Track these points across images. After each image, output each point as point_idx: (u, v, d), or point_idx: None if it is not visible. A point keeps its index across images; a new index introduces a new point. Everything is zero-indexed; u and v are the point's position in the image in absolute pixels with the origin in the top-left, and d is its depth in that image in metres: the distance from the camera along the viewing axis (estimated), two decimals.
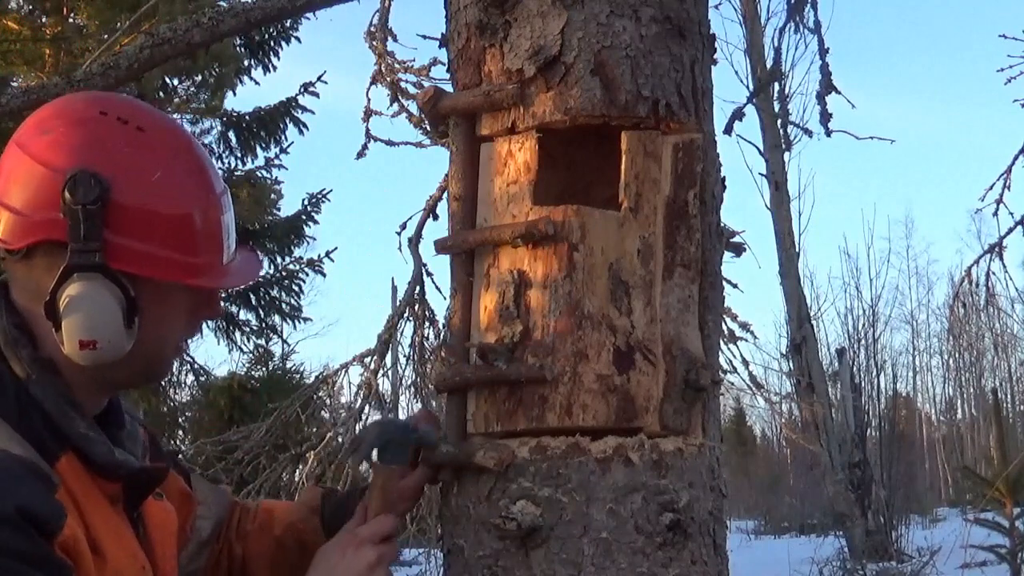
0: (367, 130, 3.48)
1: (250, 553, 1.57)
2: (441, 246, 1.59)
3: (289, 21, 10.32)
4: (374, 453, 1.50)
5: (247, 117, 11.12)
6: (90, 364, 1.19)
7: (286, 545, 1.57)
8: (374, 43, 3.22)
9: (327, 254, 11.57)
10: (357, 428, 4.27)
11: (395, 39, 3.26)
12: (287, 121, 11.14)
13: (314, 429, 5.34)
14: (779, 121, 12.55)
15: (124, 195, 1.19)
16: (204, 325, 1.42)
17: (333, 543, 1.42)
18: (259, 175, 11.47)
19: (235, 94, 12.19)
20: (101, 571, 1.14)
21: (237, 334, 11.48)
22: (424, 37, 2.97)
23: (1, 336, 1.20)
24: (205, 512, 1.53)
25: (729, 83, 13.38)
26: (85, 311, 1.17)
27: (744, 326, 3.29)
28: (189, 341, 1.38)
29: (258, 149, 11.32)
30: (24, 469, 1.09)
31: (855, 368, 14.44)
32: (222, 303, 1.38)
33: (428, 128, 3.27)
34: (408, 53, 3.29)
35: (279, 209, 12.03)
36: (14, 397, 1.16)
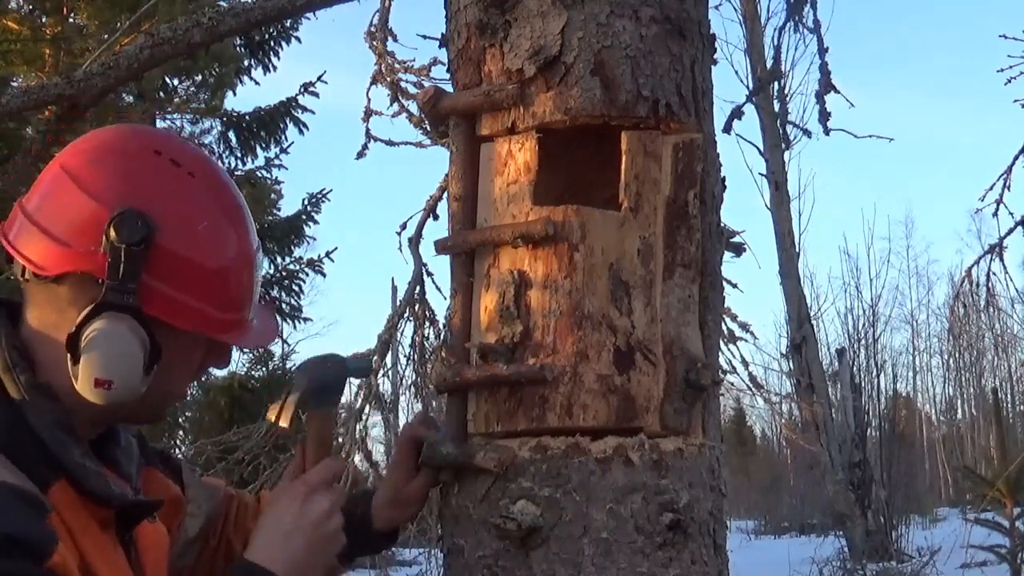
0: (367, 130, 3.47)
1: None
2: (441, 246, 1.59)
3: (289, 21, 10.33)
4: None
5: (247, 117, 11.13)
6: (100, 403, 1.18)
7: None
8: (374, 43, 3.21)
9: (327, 254, 11.59)
10: (358, 429, 4.27)
11: (395, 39, 3.25)
12: (287, 121, 11.15)
13: None
14: (779, 120, 12.56)
15: (168, 241, 1.18)
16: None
17: (280, 492, 1.36)
18: (259, 175, 11.48)
19: (235, 94, 12.20)
20: None
21: None
22: (424, 37, 2.97)
23: (0, 360, 1.17)
24: (194, 510, 1.51)
25: (729, 83, 13.39)
26: (108, 350, 1.16)
27: (744, 326, 3.29)
28: (191, 387, 1.37)
29: (258, 149, 11.34)
30: (13, 496, 1.07)
31: (855, 368, 14.44)
32: (232, 355, 1.37)
33: (428, 128, 3.27)
34: (408, 53, 3.29)
35: (279, 209, 12.04)
36: (5, 422, 1.14)
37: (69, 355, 1.17)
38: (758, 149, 12.83)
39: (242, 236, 1.27)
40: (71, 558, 1.10)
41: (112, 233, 1.15)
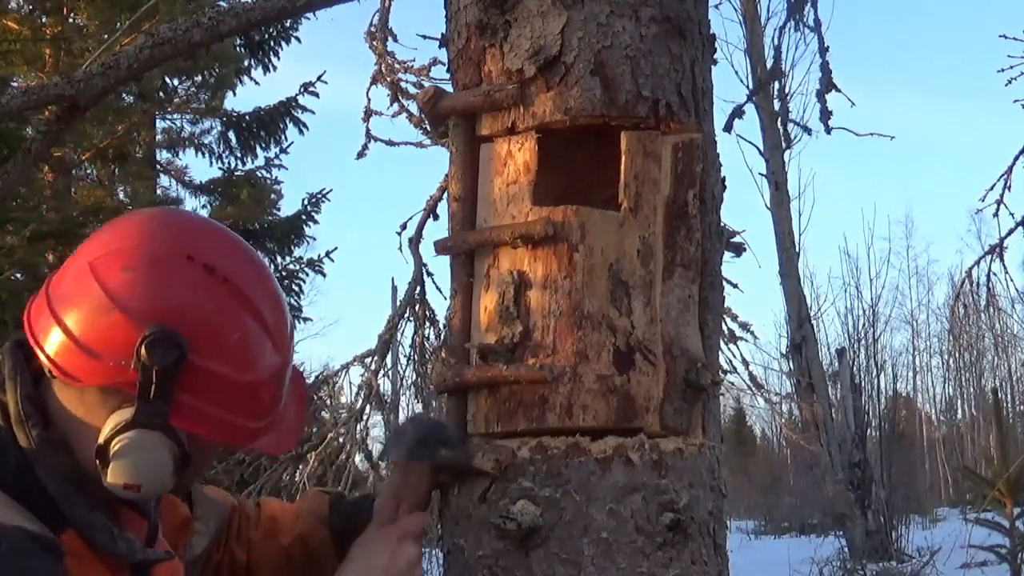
0: (367, 130, 3.47)
1: (256, 561, 1.55)
2: (441, 247, 1.59)
3: (289, 21, 10.32)
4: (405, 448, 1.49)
5: (247, 117, 11.12)
6: (127, 499, 1.20)
7: (294, 556, 1.55)
8: (374, 43, 3.21)
9: (327, 254, 11.57)
10: (358, 429, 4.27)
11: (395, 39, 3.25)
12: (287, 121, 11.13)
13: (315, 430, 5.34)
14: (779, 120, 12.55)
15: (200, 357, 1.16)
16: None
17: (373, 536, 1.40)
18: (259, 175, 11.47)
19: (235, 94, 12.19)
20: None
21: None
22: (424, 37, 2.97)
23: (13, 409, 1.17)
24: (201, 528, 1.51)
25: (729, 83, 13.39)
26: (139, 460, 1.15)
27: (744, 326, 3.29)
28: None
29: (258, 149, 11.33)
30: (32, 541, 1.08)
31: (855, 368, 14.44)
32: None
33: (428, 128, 3.26)
34: (408, 53, 3.29)
35: (279, 209, 12.04)
36: (15, 474, 1.14)
37: (98, 460, 1.16)
38: (758, 149, 12.84)
39: (277, 344, 1.24)
40: None
41: (144, 354, 1.13)
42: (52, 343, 1.17)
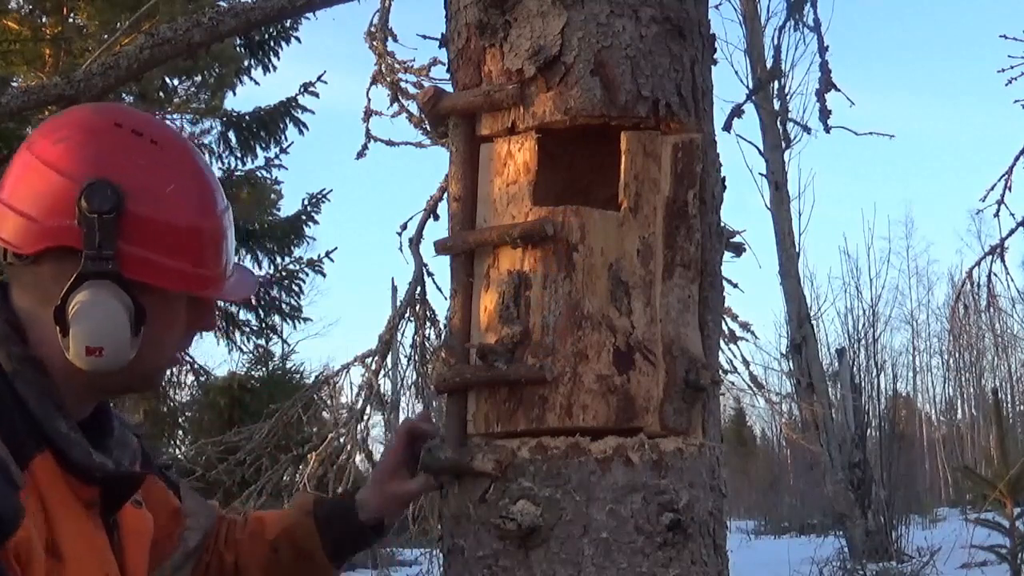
0: (367, 130, 3.48)
1: (243, 560, 1.58)
2: (441, 247, 1.59)
3: (289, 21, 10.32)
4: None
5: (247, 117, 11.12)
6: (93, 370, 1.20)
7: (280, 548, 1.58)
8: (374, 43, 3.22)
9: (327, 254, 11.57)
10: (359, 429, 4.27)
11: (395, 39, 3.26)
12: (287, 121, 11.13)
13: (315, 430, 5.35)
14: (779, 119, 12.56)
15: (138, 206, 1.21)
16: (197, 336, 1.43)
17: None
18: (259, 175, 11.47)
19: (235, 94, 12.20)
20: (56, 574, 1.13)
21: (237, 334, 11.47)
22: (424, 37, 2.97)
23: None
24: (193, 524, 1.54)
25: (729, 83, 13.38)
26: (95, 318, 1.19)
27: (744, 326, 3.30)
28: (182, 352, 1.39)
29: (258, 149, 11.32)
30: None
31: (855, 368, 14.44)
32: (217, 316, 1.40)
33: (428, 128, 3.27)
34: (408, 53, 3.30)
35: (279, 209, 12.04)
36: None
37: (58, 328, 1.19)
38: (758, 149, 12.83)
39: (209, 195, 1.30)
40: (37, 535, 1.11)
41: (84, 204, 1.18)
42: (4, 226, 1.22)
